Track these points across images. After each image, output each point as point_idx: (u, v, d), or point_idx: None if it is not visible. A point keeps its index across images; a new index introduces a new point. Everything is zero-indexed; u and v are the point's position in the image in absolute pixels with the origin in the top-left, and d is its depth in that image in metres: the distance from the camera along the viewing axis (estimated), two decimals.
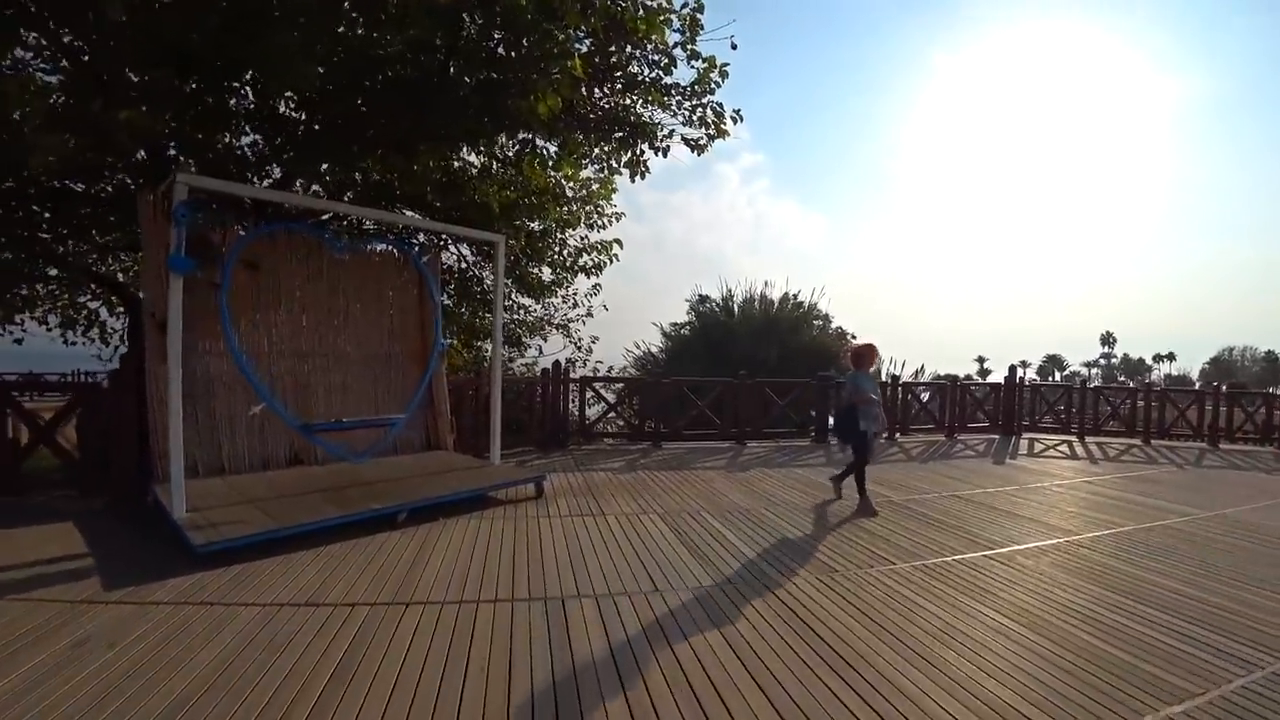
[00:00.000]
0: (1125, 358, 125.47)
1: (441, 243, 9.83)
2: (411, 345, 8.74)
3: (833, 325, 32.01)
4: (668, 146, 7.94)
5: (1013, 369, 13.13)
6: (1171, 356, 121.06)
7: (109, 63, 6.36)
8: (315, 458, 7.79)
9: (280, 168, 7.67)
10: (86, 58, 6.55)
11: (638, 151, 8.01)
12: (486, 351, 11.36)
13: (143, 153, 7.14)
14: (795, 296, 32.06)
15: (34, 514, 6.22)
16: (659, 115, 7.82)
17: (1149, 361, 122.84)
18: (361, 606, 4.17)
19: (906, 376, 33.90)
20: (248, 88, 7.13)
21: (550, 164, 8.17)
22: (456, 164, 8.62)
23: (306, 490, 6.56)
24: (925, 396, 12.90)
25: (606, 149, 8.19)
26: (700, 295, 32.47)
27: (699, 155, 8.09)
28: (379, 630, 3.84)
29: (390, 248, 8.54)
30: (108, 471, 7.01)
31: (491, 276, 10.31)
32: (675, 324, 31.91)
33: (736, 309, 31.55)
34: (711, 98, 7.63)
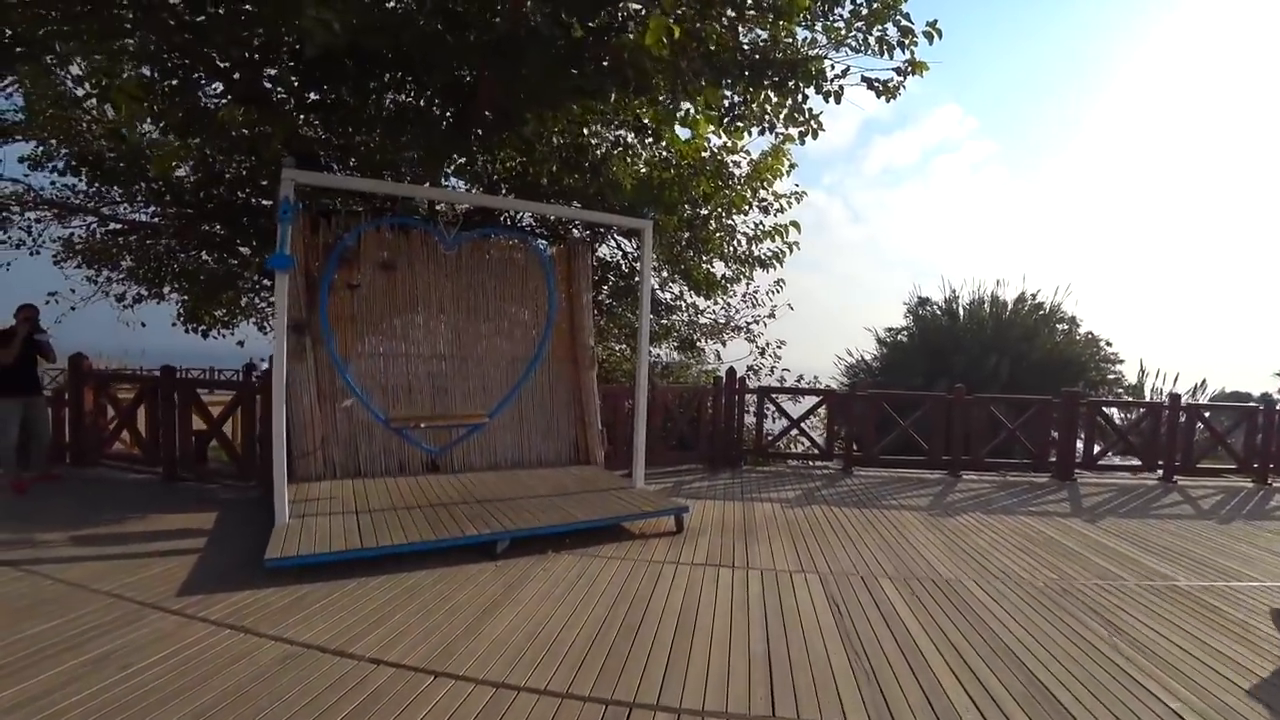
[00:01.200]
0: None
1: (591, 234, 8.72)
2: (563, 346, 7.83)
3: (1081, 330, 27.22)
4: (840, 89, 6.03)
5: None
6: None
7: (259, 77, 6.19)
8: (452, 465, 7.17)
9: (412, 164, 7.10)
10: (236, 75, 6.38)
11: (799, 98, 6.18)
12: (656, 357, 10.22)
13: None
14: (1033, 297, 27.55)
15: (196, 499, 6.64)
16: (821, 43, 5.96)
17: None
18: (386, 668, 3.28)
19: (1179, 393, 28.03)
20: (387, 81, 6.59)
21: (686, 121, 6.60)
22: (587, 139, 7.38)
23: (423, 502, 5.85)
24: (1222, 425, 9.58)
25: (757, 99, 6.48)
26: (920, 297, 28.96)
27: (889, 100, 6.08)
28: (380, 709, 2.90)
29: (513, 240, 7.62)
30: (261, 465, 6.91)
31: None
32: (891, 329, 28.95)
33: (962, 312, 27.83)
34: (896, 13, 5.61)
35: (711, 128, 6.97)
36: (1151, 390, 28.25)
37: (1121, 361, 27.42)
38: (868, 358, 29.91)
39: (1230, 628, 4.20)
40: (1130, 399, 27.26)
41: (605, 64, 5.37)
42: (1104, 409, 9.79)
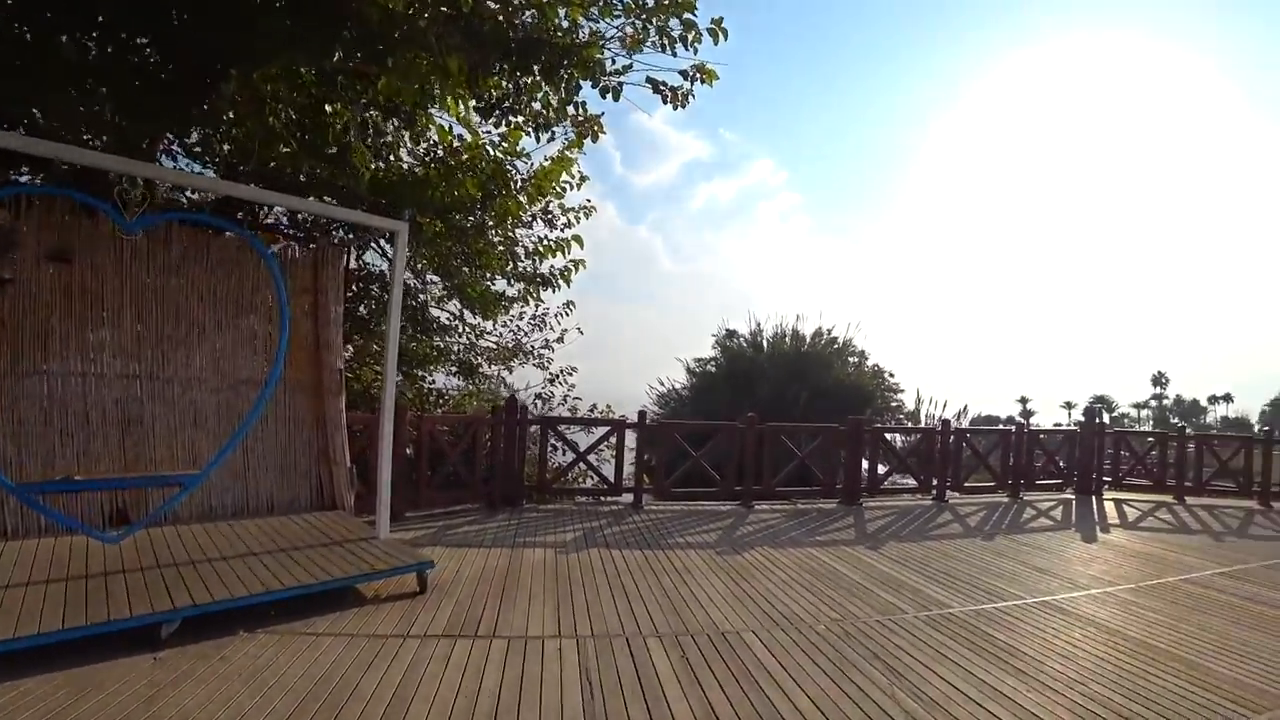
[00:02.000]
0: (1178, 399, 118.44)
1: (354, 238, 7.45)
2: (304, 368, 6.54)
3: (869, 362, 29.49)
4: (620, 86, 5.46)
5: (1092, 412, 10.42)
6: (1228, 398, 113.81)
7: None
8: (148, 512, 5.59)
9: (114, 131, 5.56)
10: None
11: (573, 89, 5.53)
12: (430, 382, 9.08)
13: None
14: (829, 331, 29.51)
15: None
16: (601, 33, 5.32)
17: (1203, 403, 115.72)
18: None
19: (949, 418, 31.10)
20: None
21: (443, 103, 5.68)
22: (330, 118, 6.14)
23: (78, 573, 4.34)
24: (983, 446, 10.18)
25: (529, 89, 5.77)
26: (727, 330, 30.11)
27: (677, 107, 5.63)
28: None
29: (226, 232, 6.14)
30: None
31: (413, 280, 8.12)
32: (699, 359, 29.68)
33: (765, 344, 29.17)
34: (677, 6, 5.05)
35: (477, 118, 6.14)
36: (925, 416, 31.26)
37: (902, 390, 29.68)
38: (678, 386, 30.58)
39: (1000, 655, 3.99)
40: (910, 424, 30.11)
41: (329, 18, 4.35)
42: (885, 435, 10.06)
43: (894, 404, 29.19)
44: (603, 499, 8.46)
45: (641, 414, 8.45)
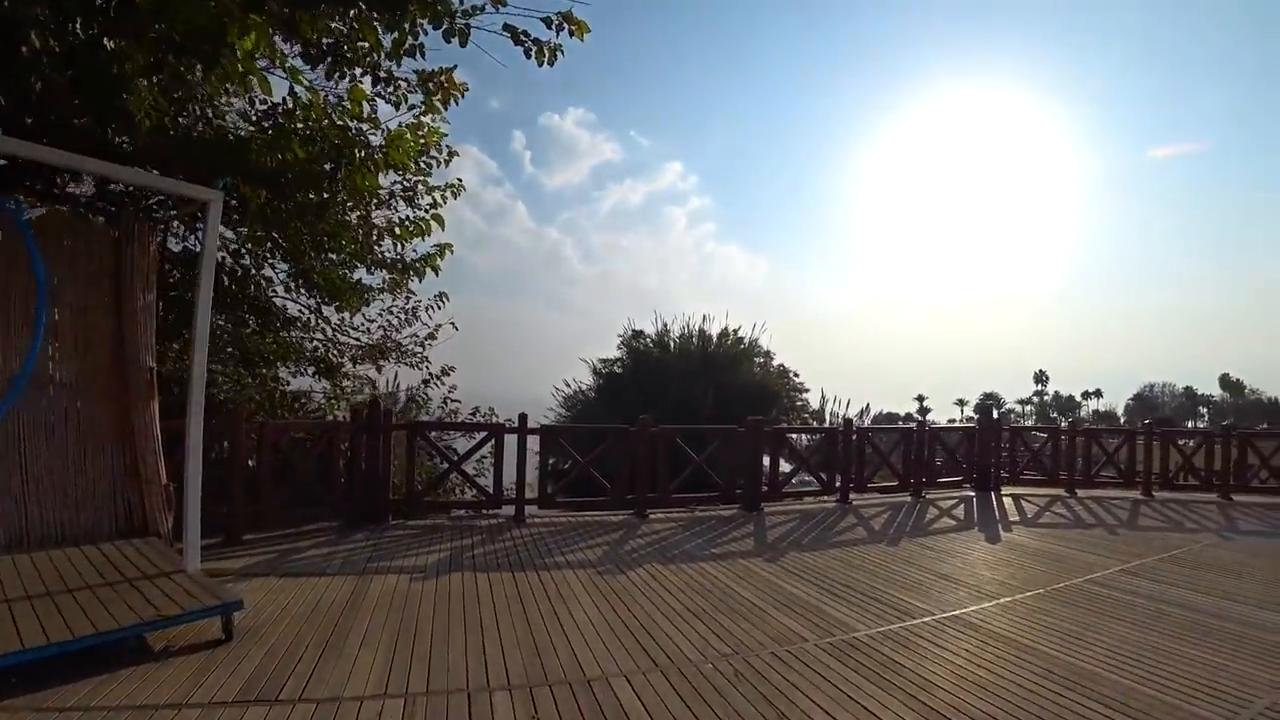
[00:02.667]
0: (1057, 395, 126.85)
1: (180, 213, 6.14)
2: (103, 368, 5.36)
3: (775, 362, 29.55)
4: (468, 28, 4.57)
5: (988, 409, 10.31)
6: (1099, 393, 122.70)
7: None
8: None
9: None
10: None
11: (411, 27, 4.52)
12: (285, 384, 7.89)
13: None
14: (735, 332, 29.37)
15: None
16: None
17: (1078, 399, 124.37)
18: None
19: (853, 416, 31.58)
20: None
21: (243, 40, 4.57)
22: (108, 59, 4.87)
23: None
24: (885, 444, 9.88)
25: (363, 31, 4.73)
26: (634, 330, 29.56)
27: (544, 63, 4.79)
28: None
29: None
30: None
31: (249, 263, 6.92)
32: (605, 360, 28.95)
33: (673, 345, 28.76)
34: None
35: (308, 71, 5.12)
36: (830, 415, 31.68)
37: (808, 390, 30.05)
38: (585, 388, 29.76)
39: (911, 692, 3.40)
40: (815, 424, 30.43)
41: None
42: (788, 435, 9.61)
43: (799, 403, 29.35)
44: (482, 512, 7.56)
45: (523, 417, 7.58)
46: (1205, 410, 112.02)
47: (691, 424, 24.28)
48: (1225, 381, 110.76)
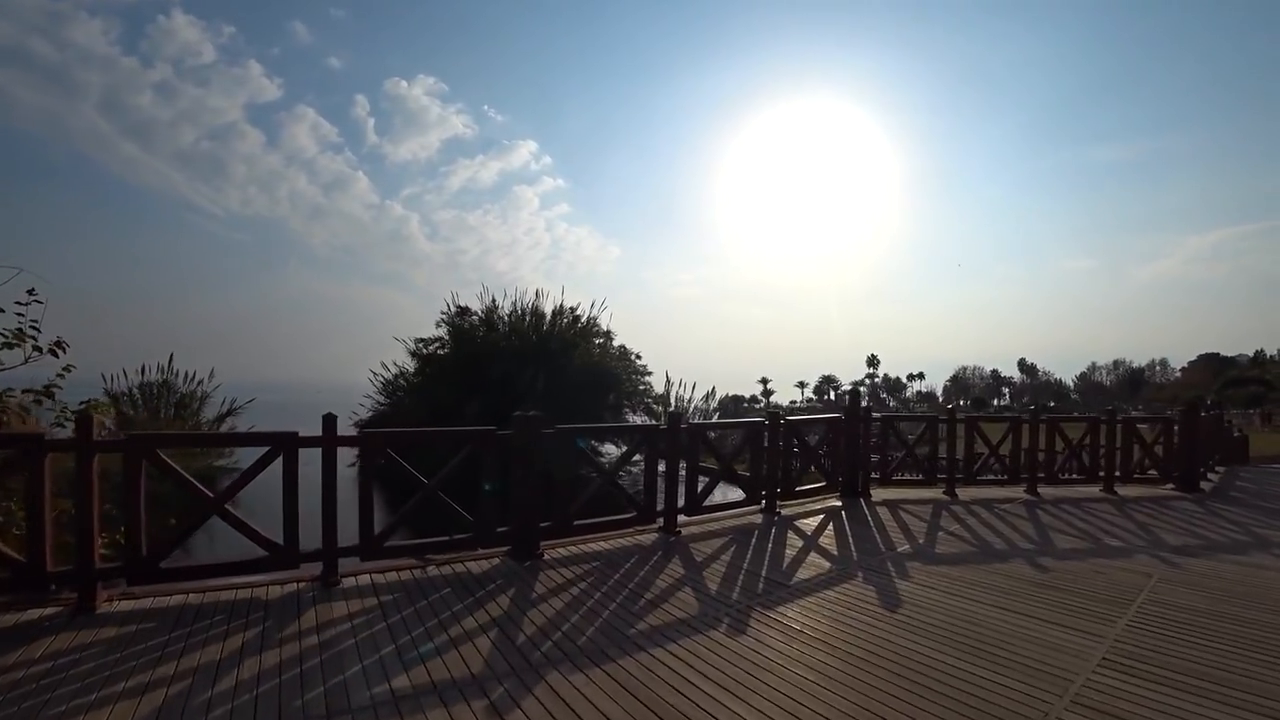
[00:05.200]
0: (886, 377, 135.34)
1: None
2: None
3: (615, 344, 26.84)
4: None
5: (855, 395, 8.00)
6: (922, 376, 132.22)
7: None
8: None
9: None
10: None
11: None
12: None
13: None
14: (573, 310, 26.28)
15: None
16: None
17: (904, 380, 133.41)
18: None
19: (698, 400, 29.60)
20: None
21: None
22: None
23: None
24: (731, 443, 7.33)
25: None
26: (458, 307, 25.69)
27: None
28: None
29: None
30: None
31: None
32: (422, 340, 24.95)
33: (502, 322, 25.29)
34: None
35: None
36: (676, 399, 29.59)
37: (650, 373, 27.81)
38: (409, 371, 25.65)
39: None
40: (659, 409, 28.19)
41: None
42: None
43: (641, 387, 26.92)
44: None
45: (329, 420, 4.22)
46: (1007, 390, 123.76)
47: (513, 409, 21.36)
48: (1023, 365, 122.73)
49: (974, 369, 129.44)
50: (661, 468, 5.73)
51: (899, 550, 5.40)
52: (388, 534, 4.66)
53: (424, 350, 23.68)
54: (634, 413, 26.64)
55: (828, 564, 4.97)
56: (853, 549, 5.43)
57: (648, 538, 5.61)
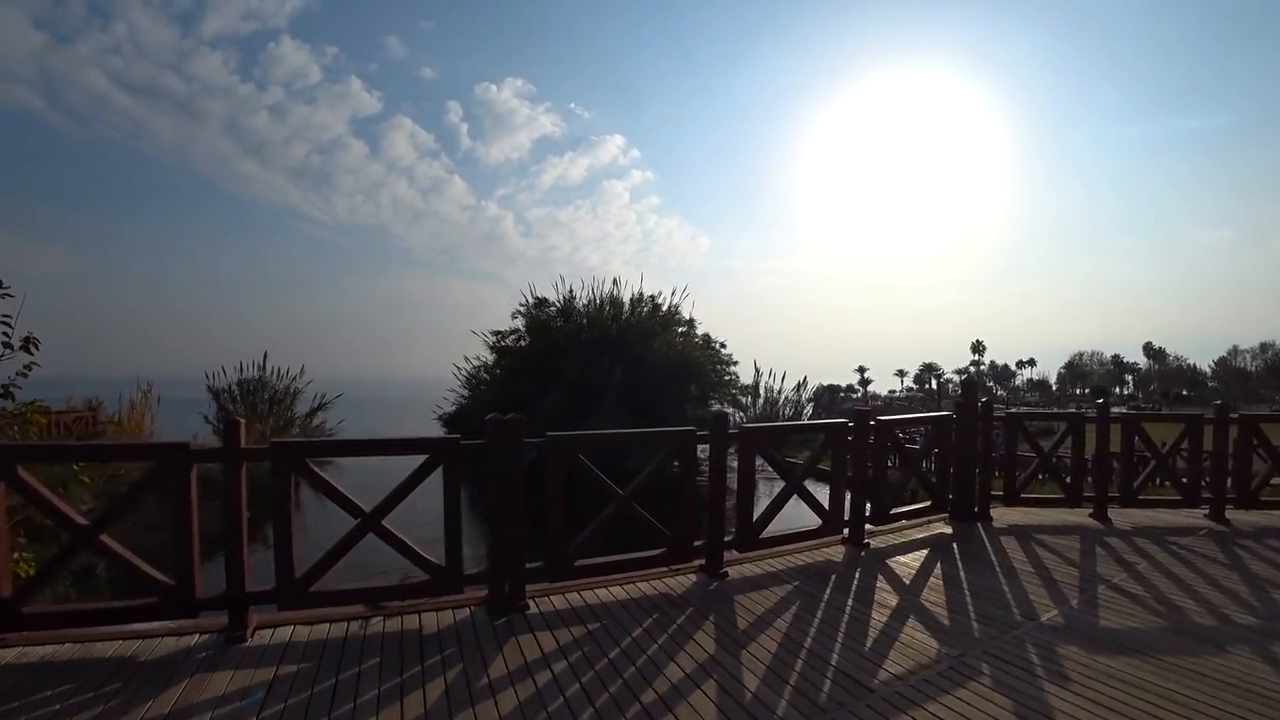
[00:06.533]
0: (993, 364, 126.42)
1: None
2: None
3: (698, 332, 25.12)
4: None
5: (970, 385, 6.10)
6: (1032, 362, 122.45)
7: None
8: None
9: None
10: None
11: None
12: None
13: None
14: (653, 299, 24.79)
15: None
16: None
17: (1013, 368, 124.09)
18: None
19: (789, 391, 27.35)
20: None
21: None
22: None
23: None
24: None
25: None
26: (536, 299, 24.77)
27: None
28: None
29: None
30: None
31: None
32: (499, 333, 24.12)
33: (580, 313, 24.15)
34: None
35: None
36: (765, 390, 27.56)
37: (736, 362, 25.89)
38: (487, 364, 24.94)
39: None
40: (745, 400, 26.21)
41: None
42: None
43: (727, 378, 25.06)
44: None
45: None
46: (1130, 378, 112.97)
47: (596, 405, 20.09)
48: (1149, 350, 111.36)
49: (1092, 354, 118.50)
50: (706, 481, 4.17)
51: (1043, 619, 3.59)
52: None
53: (501, 343, 22.93)
54: (721, 403, 24.97)
55: (934, 644, 3.27)
56: (971, 613, 3.69)
57: (680, 583, 4.07)
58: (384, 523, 3.45)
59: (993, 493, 5.83)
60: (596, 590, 3.93)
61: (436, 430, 23.29)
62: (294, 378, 21.29)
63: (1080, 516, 5.84)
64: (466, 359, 24.42)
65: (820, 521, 4.76)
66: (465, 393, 24.36)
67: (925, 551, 4.79)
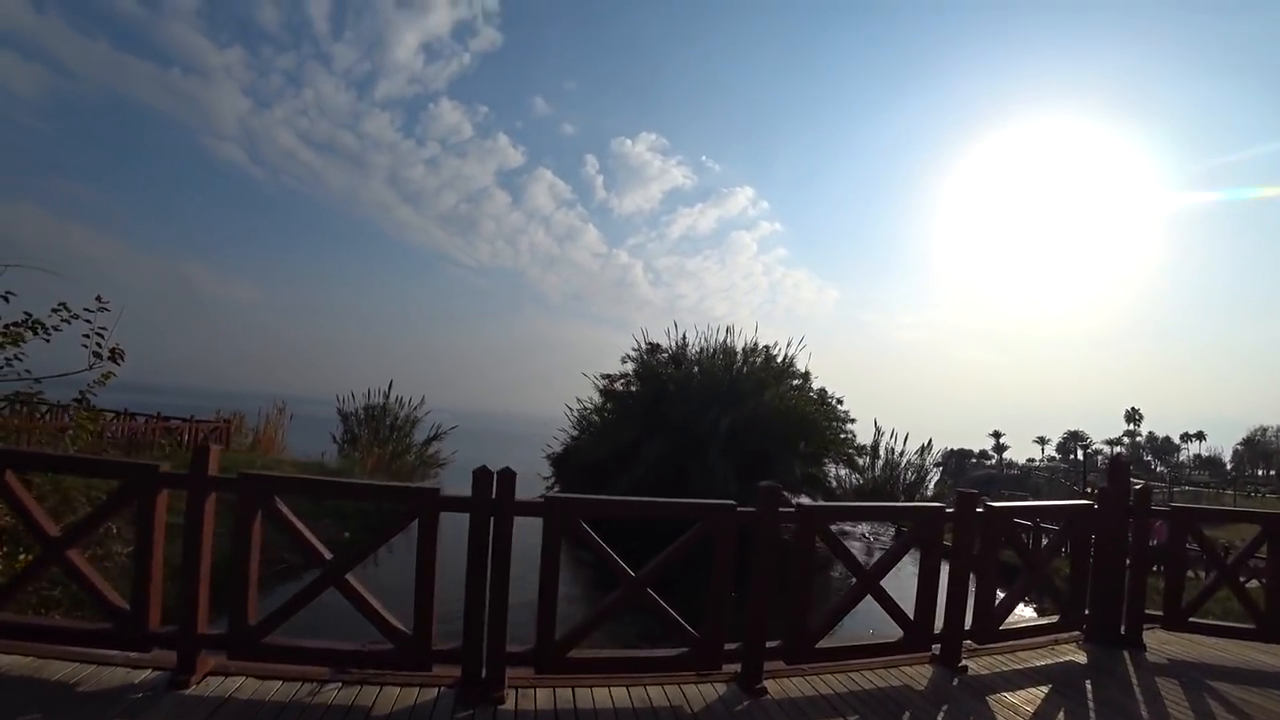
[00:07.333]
0: (1151, 436, 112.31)
1: None
2: None
3: (813, 386, 23.59)
4: None
5: (1119, 466, 4.76)
6: (1201, 436, 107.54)
7: None
8: None
9: None
10: None
11: None
12: None
13: None
14: (768, 349, 23.61)
15: None
16: None
17: (1176, 440, 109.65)
18: None
19: (911, 454, 24.92)
20: None
21: None
22: None
23: None
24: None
25: None
26: (649, 344, 24.34)
27: None
28: None
29: None
30: None
31: None
32: (608, 375, 23.73)
33: (692, 360, 23.39)
34: None
35: None
36: (885, 451, 25.30)
37: (853, 420, 23.99)
38: (596, 406, 24.52)
39: None
40: (861, 463, 24.05)
41: None
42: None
43: (843, 436, 23.18)
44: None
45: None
46: None
47: (699, 456, 19.09)
48: None
49: (1278, 430, 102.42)
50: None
51: None
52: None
53: (611, 386, 22.57)
54: (835, 463, 23.18)
55: None
56: None
57: (703, 694, 3.18)
58: (349, 576, 2.91)
59: (1148, 611, 4.43)
60: (595, 689, 3.13)
61: (543, 466, 23.36)
62: (415, 406, 22.13)
63: (1278, 657, 4.32)
64: (579, 400, 24.25)
65: (902, 632, 3.69)
66: (574, 433, 24.14)
67: (1045, 689, 3.57)
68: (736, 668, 3.34)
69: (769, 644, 3.37)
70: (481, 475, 3.07)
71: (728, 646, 3.32)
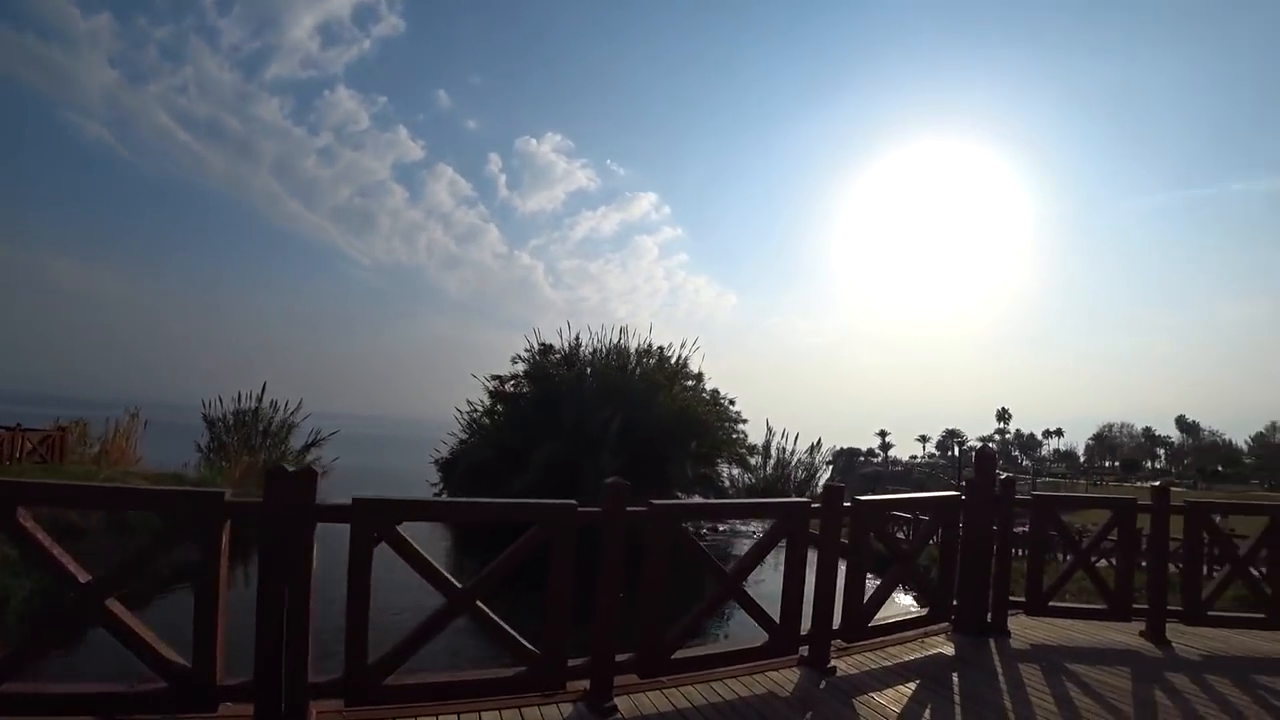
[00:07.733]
0: (1018, 433, 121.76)
1: None
2: None
3: (707, 387, 23.72)
4: None
5: (986, 457, 4.69)
6: (1060, 432, 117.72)
7: None
8: None
9: None
10: None
11: None
12: None
13: None
14: (661, 350, 23.53)
15: None
16: None
17: (1039, 437, 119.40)
18: None
19: (801, 453, 25.51)
20: None
21: None
22: None
23: None
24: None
25: None
26: (542, 344, 23.72)
27: None
28: None
29: None
30: None
31: None
32: (497, 377, 22.97)
33: (586, 361, 22.98)
34: None
35: None
36: (777, 451, 25.78)
37: (745, 420, 24.22)
38: (485, 409, 23.58)
39: None
40: (754, 462, 24.43)
41: None
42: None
43: (735, 435, 23.47)
44: None
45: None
46: (1163, 451, 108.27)
47: (592, 457, 18.66)
48: (1182, 423, 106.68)
49: (1122, 426, 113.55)
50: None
51: None
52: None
53: (501, 388, 21.79)
54: (729, 464, 23.39)
55: None
56: None
57: (544, 715, 2.76)
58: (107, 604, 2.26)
59: (1012, 598, 4.38)
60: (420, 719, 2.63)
61: (432, 472, 22.31)
62: (292, 410, 20.46)
63: (1128, 635, 4.38)
64: (469, 402, 23.24)
65: (766, 636, 3.39)
66: (464, 436, 23.13)
67: (913, 686, 3.38)
68: (585, 684, 2.94)
69: (619, 657, 2.98)
70: (277, 475, 2.53)
71: (573, 662, 2.90)
